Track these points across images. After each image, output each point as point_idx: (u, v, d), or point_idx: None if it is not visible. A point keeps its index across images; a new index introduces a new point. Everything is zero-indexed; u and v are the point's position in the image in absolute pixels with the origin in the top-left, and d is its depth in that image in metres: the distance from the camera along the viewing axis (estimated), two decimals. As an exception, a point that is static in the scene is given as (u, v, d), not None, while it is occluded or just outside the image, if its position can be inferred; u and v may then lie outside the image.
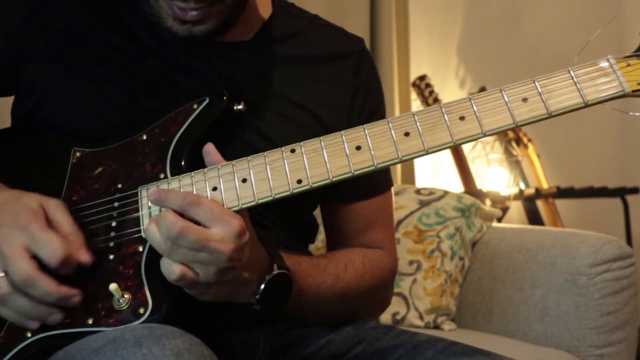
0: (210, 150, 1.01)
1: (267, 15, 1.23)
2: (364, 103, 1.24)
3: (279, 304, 1.04)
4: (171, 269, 0.92)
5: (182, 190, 0.99)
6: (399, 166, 2.70)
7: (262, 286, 1.00)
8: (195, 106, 1.07)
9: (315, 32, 1.27)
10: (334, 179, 0.96)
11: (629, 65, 0.94)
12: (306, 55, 1.23)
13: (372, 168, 0.96)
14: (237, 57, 1.17)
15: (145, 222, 1.00)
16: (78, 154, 1.08)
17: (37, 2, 1.15)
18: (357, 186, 1.23)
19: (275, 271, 1.01)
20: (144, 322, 0.94)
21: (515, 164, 3.01)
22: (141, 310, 0.94)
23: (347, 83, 1.23)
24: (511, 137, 3.05)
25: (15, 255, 0.92)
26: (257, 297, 1.00)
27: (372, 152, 0.96)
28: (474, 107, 0.95)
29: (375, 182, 1.26)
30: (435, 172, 3.10)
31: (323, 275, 1.14)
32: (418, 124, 0.96)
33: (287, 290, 1.03)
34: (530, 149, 3.08)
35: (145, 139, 1.07)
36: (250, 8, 1.19)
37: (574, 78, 0.95)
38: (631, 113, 0.96)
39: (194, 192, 0.97)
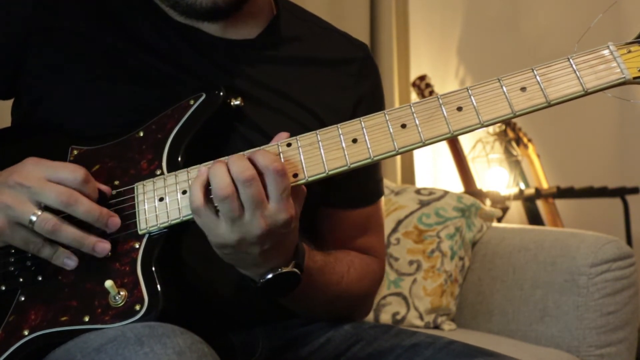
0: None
1: (272, 16, 1.23)
2: (367, 112, 1.23)
3: (277, 296, 1.05)
4: (199, 201, 0.94)
5: (178, 186, 0.99)
6: (399, 166, 2.70)
7: (269, 275, 1.00)
8: (192, 102, 1.07)
9: (319, 35, 1.27)
10: (330, 172, 0.96)
11: (629, 52, 0.93)
12: (309, 57, 1.23)
13: (369, 160, 0.96)
14: (240, 55, 1.17)
15: (141, 218, 0.99)
16: (75, 152, 1.08)
17: (39, 3, 1.15)
18: (355, 194, 1.24)
19: (289, 269, 1.01)
20: (140, 319, 0.94)
21: (515, 164, 3.01)
22: (137, 307, 0.94)
23: (349, 89, 1.23)
24: (511, 137, 3.04)
25: (47, 184, 0.96)
26: (261, 280, 1.00)
27: (369, 144, 0.96)
28: (472, 97, 0.95)
29: (371, 191, 1.28)
30: (435, 172, 3.10)
31: (331, 273, 1.15)
32: (415, 115, 0.96)
33: (291, 287, 1.03)
34: (530, 149, 3.07)
35: (142, 136, 1.07)
36: (256, 7, 1.19)
37: (574, 66, 0.94)
38: (632, 101, 0.95)
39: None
